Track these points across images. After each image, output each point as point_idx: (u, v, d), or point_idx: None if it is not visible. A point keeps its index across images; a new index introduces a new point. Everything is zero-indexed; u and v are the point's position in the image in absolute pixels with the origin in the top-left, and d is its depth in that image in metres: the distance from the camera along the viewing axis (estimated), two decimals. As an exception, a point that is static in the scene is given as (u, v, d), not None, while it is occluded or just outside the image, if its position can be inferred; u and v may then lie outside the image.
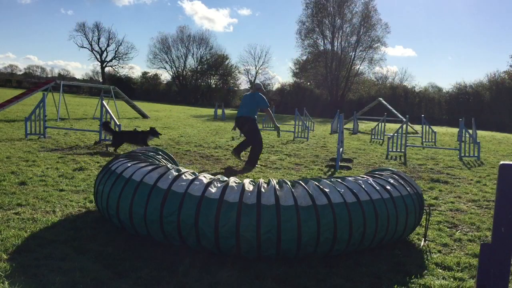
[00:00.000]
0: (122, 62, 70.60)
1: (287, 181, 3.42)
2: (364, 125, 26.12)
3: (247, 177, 6.60)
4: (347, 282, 2.95)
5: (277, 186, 3.29)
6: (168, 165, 3.75)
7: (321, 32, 49.64)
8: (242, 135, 8.32)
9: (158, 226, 3.25)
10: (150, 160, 4.03)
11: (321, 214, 3.14)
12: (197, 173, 3.54)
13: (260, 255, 3.15)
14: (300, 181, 3.41)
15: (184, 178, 3.39)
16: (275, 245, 3.09)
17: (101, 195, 3.73)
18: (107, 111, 9.90)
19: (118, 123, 9.57)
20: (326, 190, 3.30)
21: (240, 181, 3.37)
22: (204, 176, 3.43)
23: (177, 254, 3.26)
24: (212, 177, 3.46)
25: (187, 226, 3.15)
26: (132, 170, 3.59)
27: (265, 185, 3.30)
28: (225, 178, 3.44)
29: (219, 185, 3.29)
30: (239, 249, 3.10)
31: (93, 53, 69.89)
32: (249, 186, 3.27)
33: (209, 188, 3.23)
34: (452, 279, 3.11)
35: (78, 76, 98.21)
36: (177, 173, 3.46)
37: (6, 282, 2.63)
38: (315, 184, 3.36)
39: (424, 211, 4.11)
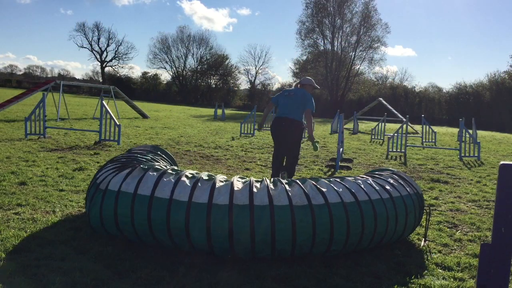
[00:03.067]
0: (122, 62, 70.62)
1: (282, 180, 3.39)
2: (364, 125, 26.12)
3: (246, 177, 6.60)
4: (347, 282, 2.95)
5: (271, 186, 3.22)
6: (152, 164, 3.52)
7: (321, 32, 49.64)
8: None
9: (151, 236, 3.20)
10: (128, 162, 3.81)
11: (317, 214, 3.10)
12: (179, 171, 3.36)
13: (255, 256, 3.13)
14: (297, 180, 3.39)
15: (165, 180, 3.21)
16: (269, 246, 3.07)
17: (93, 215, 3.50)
18: (107, 111, 9.90)
19: (118, 123, 9.57)
20: (323, 189, 3.27)
21: (228, 179, 3.28)
22: (186, 176, 3.27)
23: (177, 254, 3.26)
24: (195, 174, 3.32)
25: (178, 234, 3.08)
26: (108, 179, 3.40)
27: (257, 184, 3.23)
28: (212, 176, 3.30)
29: (205, 186, 3.15)
30: (234, 251, 3.08)
31: (93, 53, 69.97)
32: (238, 185, 3.17)
33: (196, 192, 3.10)
34: (452, 279, 3.11)
35: (78, 76, 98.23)
36: (157, 176, 3.26)
37: (6, 282, 2.63)
38: (312, 184, 3.33)
39: (424, 211, 4.11)
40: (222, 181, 3.25)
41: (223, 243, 3.04)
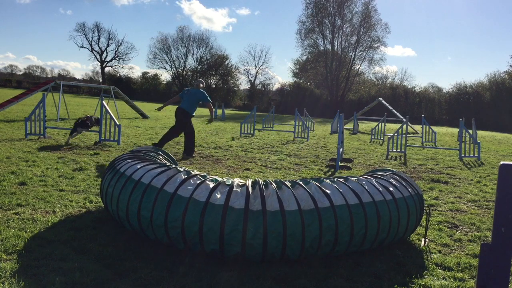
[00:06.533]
0: (122, 62, 70.69)
1: (283, 181, 3.38)
2: (364, 125, 26.11)
3: (247, 177, 6.60)
4: (347, 282, 2.95)
5: (277, 190, 3.22)
6: (179, 168, 3.68)
7: (321, 32, 49.72)
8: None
9: (164, 231, 3.23)
10: (159, 161, 4.00)
11: (323, 217, 3.11)
12: (207, 175, 3.48)
13: (265, 260, 3.14)
14: (301, 182, 3.39)
15: (192, 182, 3.32)
16: (280, 250, 3.07)
17: (110, 197, 3.70)
18: (107, 111, 9.90)
19: (118, 123, 9.57)
20: (328, 191, 3.27)
21: (244, 182, 3.32)
22: (211, 180, 3.36)
23: (177, 254, 3.26)
24: (219, 179, 3.39)
25: (191, 232, 3.11)
26: (142, 172, 3.56)
27: (264, 188, 3.24)
28: (231, 180, 3.37)
29: (224, 190, 3.21)
30: (244, 255, 3.08)
31: (93, 53, 70.07)
32: (251, 190, 3.20)
33: (214, 194, 3.16)
34: (452, 279, 3.11)
35: (78, 76, 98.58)
36: (185, 176, 3.40)
37: (6, 282, 2.63)
38: (317, 185, 3.34)
39: (424, 211, 4.11)
40: (239, 186, 3.27)
41: (236, 247, 3.04)
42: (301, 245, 3.08)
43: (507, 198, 1.68)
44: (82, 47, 69.72)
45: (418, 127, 23.21)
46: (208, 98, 8.86)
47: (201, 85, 8.99)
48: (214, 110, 9.39)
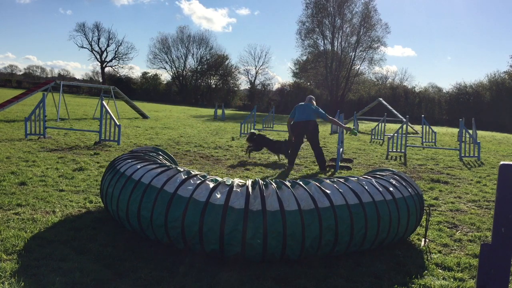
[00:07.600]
0: (122, 62, 70.60)
1: (283, 181, 3.38)
2: (364, 125, 26.11)
3: (247, 177, 6.60)
4: (347, 282, 2.95)
5: (277, 190, 3.23)
6: (179, 168, 3.68)
7: (321, 32, 49.71)
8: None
9: (164, 231, 3.23)
10: (159, 161, 4.01)
11: (323, 217, 3.11)
12: (207, 175, 3.49)
13: (265, 260, 3.14)
14: (301, 182, 3.39)
15: (192, 182, 3.32)
16: (280, 250, 3.07)
17: (110, 197, 3.71)
18: (107, 111, 9.90)
19: (118, 123, 9.57)
20: (328, 191, 3.27)
21: (244, 182, 3.32)
22: (211, 180, 3.36)
23: (177, 254, 3.26)
24: (219, 179, 3.39)
25: (191, 232, 3.11)
26: (142, 173, 3.56)
27: (264, 188, 3.25)
28: (231, 180, 3.37)
29: (224, 190, 3.21)
30: (244, 255, 3.08)
31: (93, 53, 69.93)
32: (251, 190, 3.20)
33: (214, 194, 3.16)
34: (452, 280, 3.11)
35: (78, 76, 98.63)
36: (185, 176, 3.40)
37: (6, 282, 2.63)
38: (317, 185, 3.34)
39: (424, 211, 4.11)
40: (239, 186, 3.26)
41: (236, 247, 3.04)
42: (301, 245, 3.08)
43: (507, 198, 1.68)
44: (82, 47, 69.68)
45: (418, 127, 23.21)
46: (324, 112, 8.27)
47: (313, 101, 8.35)
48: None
